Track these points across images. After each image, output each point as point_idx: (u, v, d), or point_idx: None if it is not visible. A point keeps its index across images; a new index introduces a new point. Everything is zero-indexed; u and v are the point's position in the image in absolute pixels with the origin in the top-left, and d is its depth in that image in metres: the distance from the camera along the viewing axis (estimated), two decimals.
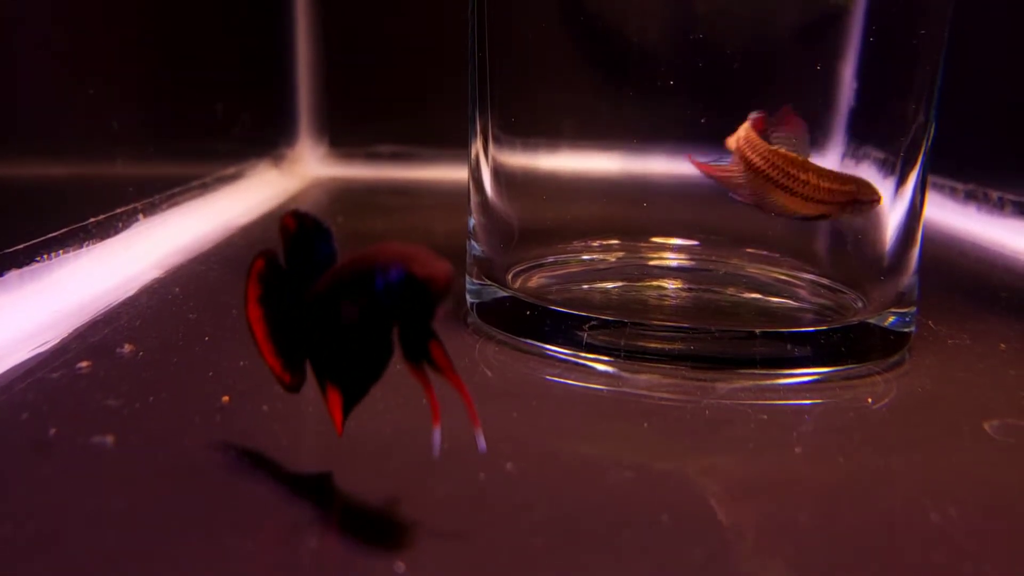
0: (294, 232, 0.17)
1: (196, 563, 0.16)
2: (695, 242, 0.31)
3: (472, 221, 0.30)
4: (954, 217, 0.50)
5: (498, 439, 0.19)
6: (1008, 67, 0.48)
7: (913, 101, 0.28)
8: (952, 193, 0.52)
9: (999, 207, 0.47)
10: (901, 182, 0.28)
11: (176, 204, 0.41)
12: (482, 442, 0.17)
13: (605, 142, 0.32)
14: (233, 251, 0.38)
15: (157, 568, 0.15)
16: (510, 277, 0.29)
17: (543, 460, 0.20)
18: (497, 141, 0.30)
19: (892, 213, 0.29)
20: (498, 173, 0.30)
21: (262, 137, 0.55)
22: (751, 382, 0.24)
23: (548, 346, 0.26)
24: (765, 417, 0.22)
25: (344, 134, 0.61)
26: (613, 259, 0.31)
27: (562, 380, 0.25)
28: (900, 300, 0.28)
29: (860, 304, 0.29)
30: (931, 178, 0.53)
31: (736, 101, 0.30)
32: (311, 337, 0.17)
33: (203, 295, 0.31)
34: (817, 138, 0.30)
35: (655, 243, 0.31)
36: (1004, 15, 0.48)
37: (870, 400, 0.24)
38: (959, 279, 0.39)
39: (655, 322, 0.26)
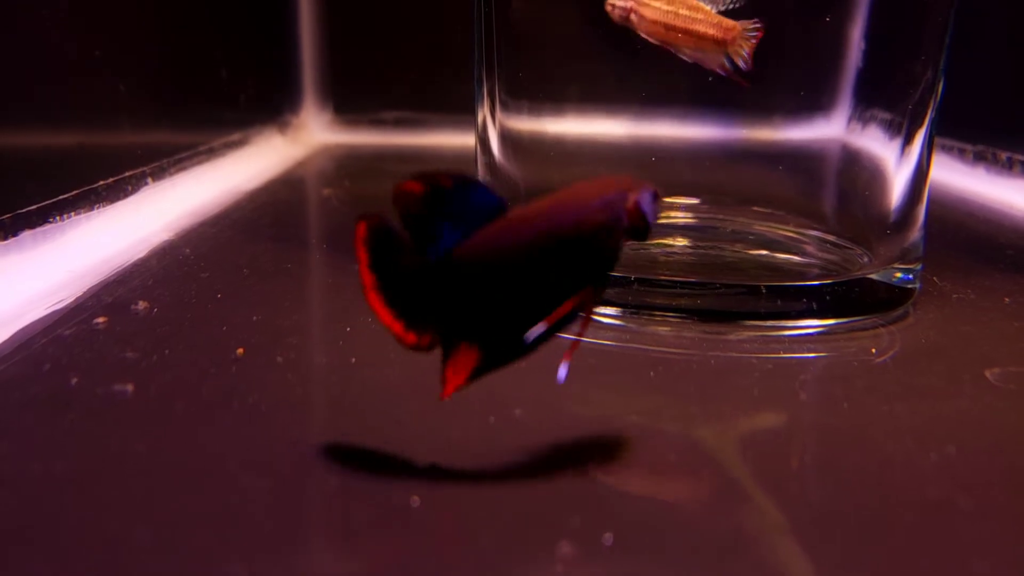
0: (423, 194, 0.15)
1: (212, 501, 0.16)
2: (700, 201, 0.31)
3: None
4: (963, 179, 0.49)
5: (507, 387, 0.20)
6: (1016, 29, 0.47)
7: (922, 58, 0.28)
8: (961, 155, 0.51)
9: (1008, 167, 0.47)
10: (908, 141, 0.28)
11: (184, 169, 0.41)
12: (563, 372, 0.17)
13: (611, 105, 0.31)
14: (241, 215, 0.38)
15: (176, 506, 0.16)
16: None
17: (551, 407, 0.20)
18: (504, 105, 0.30)
19: (899, 171, 0.29)
20: (505, 136, 0.30)
21: (268, 104, 0.55)
22: (757, 333, 0.25)
23: None
24: (770, 367, 0.23)
25: (349, 101, 0.61)
26: None
27: (568, 335, 0.25)
28: (905, 256, 0.28)
29: (866, 260, 0.29)
30: (940, 140, 0.53)
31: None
32: (453, 297, 0.16)
33: (213, 256, 0.32)
34: (824, 100, 0.30)
35: (662, 202, 0.31)
36: None
37: (874, 351, 0.24)
38: (966, 238, 0.39)
39: (662, 278, 0.26)
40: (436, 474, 0.17)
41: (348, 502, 0.16)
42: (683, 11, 0.26)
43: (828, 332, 0.25)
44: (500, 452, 0.18)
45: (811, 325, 0.25)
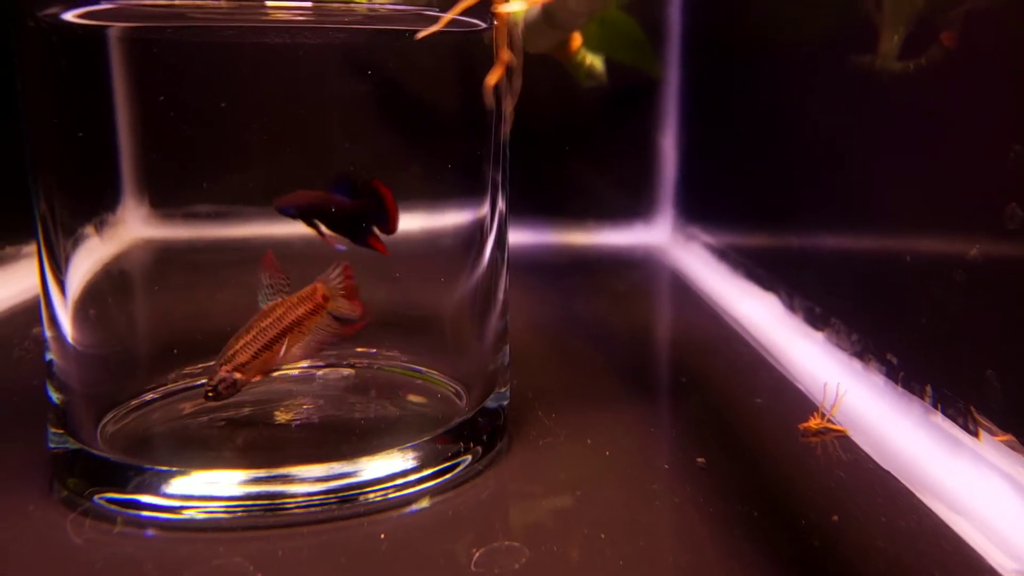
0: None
1: None
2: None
3: (49, 357, 0.25)
4: (712, 276, 0.49)
5: None
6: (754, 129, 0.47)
7: (488, 170, 0.27)
8: (711, 251, 0.52)
9: (736, 267, 0.47)
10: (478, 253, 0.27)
11: None
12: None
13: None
14: None
15: None
16: (102, 426, 0.25)
17: None
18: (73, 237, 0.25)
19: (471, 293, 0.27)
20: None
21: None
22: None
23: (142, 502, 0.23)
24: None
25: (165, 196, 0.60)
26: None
27: (157, 536, 0.22)
28: (492, 385, 0.27)
29: (462, 401, 0.28)
30: (706, 237, 0.53)
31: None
32: None
33: None
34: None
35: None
36: (745, 80, 0.47)
37: (383, 535, 0.22)
38: (646, 362, 0.38)
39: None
40: None
41: None
42: (265, 323, 0.25)
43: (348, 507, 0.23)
44: None
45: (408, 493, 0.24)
